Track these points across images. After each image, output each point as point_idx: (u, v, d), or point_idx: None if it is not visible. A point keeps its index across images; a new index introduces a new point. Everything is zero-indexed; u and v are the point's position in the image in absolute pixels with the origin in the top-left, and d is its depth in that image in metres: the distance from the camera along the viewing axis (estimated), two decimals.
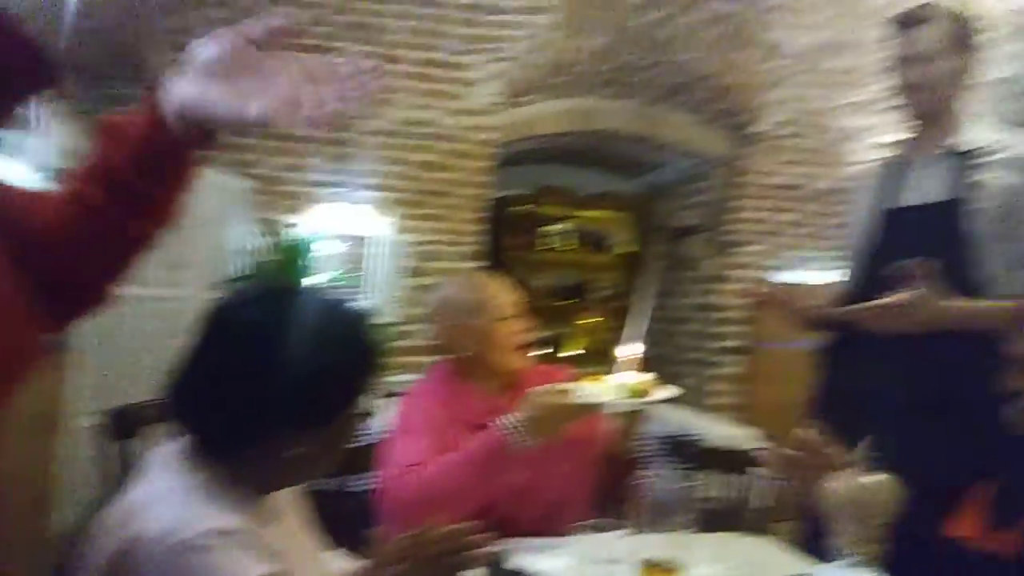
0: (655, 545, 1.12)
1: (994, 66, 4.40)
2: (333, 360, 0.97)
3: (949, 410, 1.64)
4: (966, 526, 1.34)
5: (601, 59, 4.09)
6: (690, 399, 4.89)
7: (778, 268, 4.80)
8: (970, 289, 1.68)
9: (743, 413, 4.75)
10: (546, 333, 5.39)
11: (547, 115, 4.37)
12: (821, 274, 4.74)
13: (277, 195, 3.90)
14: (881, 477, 1.08)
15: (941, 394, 1.67)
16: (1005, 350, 1.35)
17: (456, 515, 1.44)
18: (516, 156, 4.87)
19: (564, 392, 1.45)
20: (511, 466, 1.47)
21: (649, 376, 1.49)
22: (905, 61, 1.84)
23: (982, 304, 1.65)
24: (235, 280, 3.35)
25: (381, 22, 3.77)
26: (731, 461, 2.51)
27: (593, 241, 5.49)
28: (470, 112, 4.01)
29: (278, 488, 1.04)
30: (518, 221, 4.96)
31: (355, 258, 4.04)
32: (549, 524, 1.54)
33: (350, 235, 4.01)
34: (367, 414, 1.07)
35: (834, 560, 1.05)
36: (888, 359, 1.73)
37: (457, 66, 3.92)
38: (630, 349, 1.52)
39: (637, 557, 1.14)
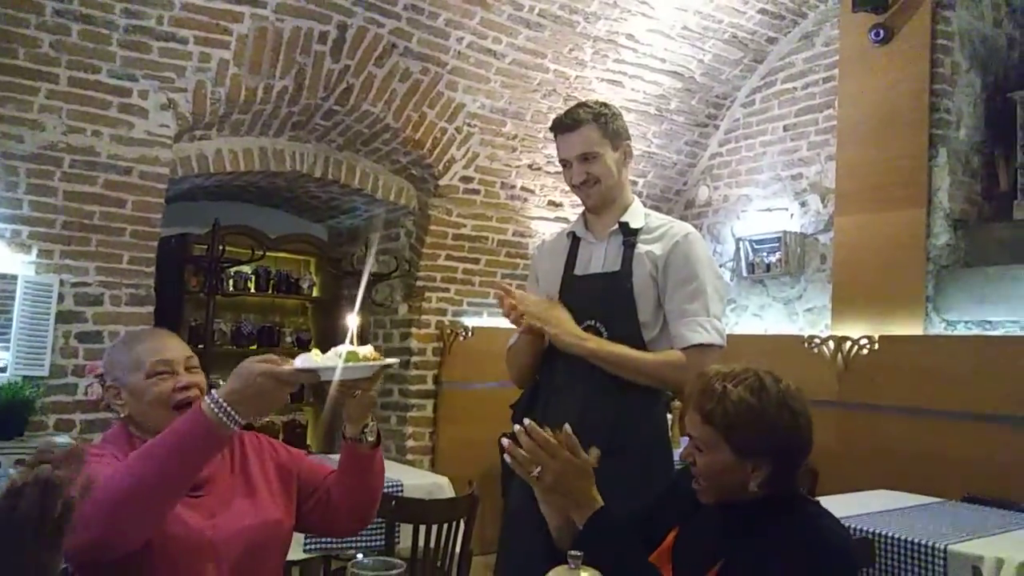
0: None
1: (643, 143, 5.14)
2: None
3: (620, 446, 1.78)
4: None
5: (285, 100, 4.01)
6: (387, 443, 4.90)
7: (463, 314, 5.05)
8: (640, 346, 1.91)
9: (432, 455, 4.87)
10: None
11: (226, 152, 4.16)
12: (501, 320, 5.09)
13: None
14: (595, 572, 1.10)
15: (613, 429, 1.83)
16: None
17: (168, 504, 1.28)
18: (190, 191, 4.56)
19: (277, 360, 1.32)
20: (222, 443, 1.31)
21: (369, 347, 1.42)
22: (566, 164, 2.04)
23: (621, 348, 1.89)
24: None
25: (32, 33, 3.31)
26: (426, 512, 2.55)
27: (283, 284, 5.31)
28: (136, 141, 3.66)
29: None
30: (200, 261, 4.64)
31: None
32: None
33: None
34: None
35: None
36: (568, 400, 1.90)
37: (121, 90, 3.57)
38: (352, 319, 1.44)
39: None
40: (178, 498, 1.31)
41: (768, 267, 4.95)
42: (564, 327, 1.91)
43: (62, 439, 3.47)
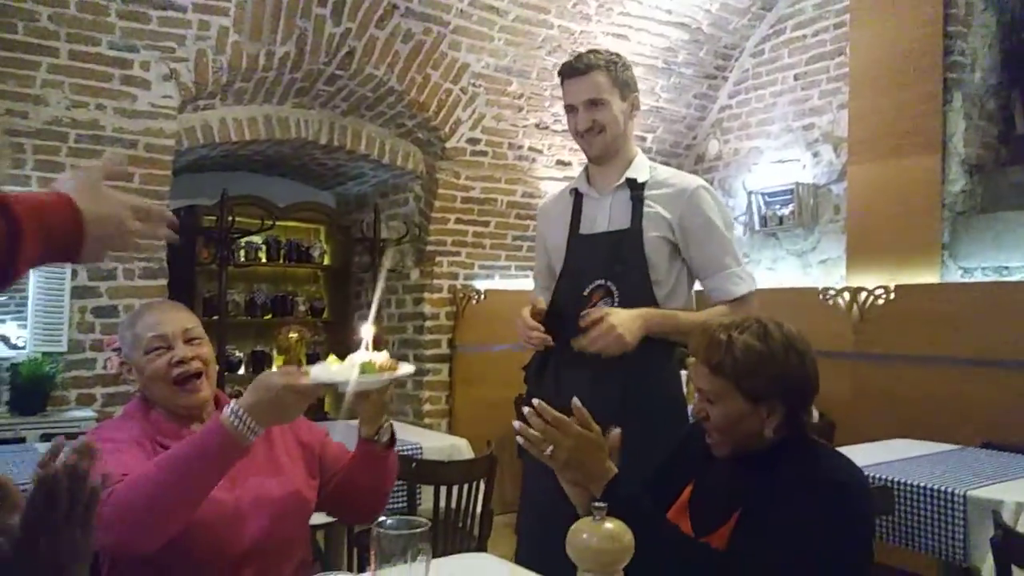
0: None
1: (651, 98, 5.06)
2: None
3: (634, 414, 1.76)
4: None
5: (288, 67, 3.96)
6: (405, 407, 4.94)
7: (474, 277, 5.04)
8: (652, 305, 1.87)
9: (449, 418, 4.91)
10: (246, 351, 5.12)
11: (230, 121, 4.13)
12: (513, 281, 5.08)
13: None
14: (619, 524, 1.10)
15: (624, 399, 1.81)
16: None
17: (188, 510, 1.30)
18: (198, 163, 4.54)
19: (296, 373, 1.33)
20: (242, 453, 1.32)
21: (384, 353, 1.43)
22: (572, 110, 1.99)
23: (672, 315, 1.87)
24: None
25: (30, 7, 3.28)
26: (446, 473, 2.58)
27: (294, 252, 5.32)
28: (140, 113, 3.63)
29: None
30: (211, 233, 4.64)
31: None
32: (272, 552, 1.44)
33: None
34: None
35: None
36: (579, 361, 1.87)
37: (122, 62, 3.53)
38: (367, 329, 1.44)
39: None
40: (198, 504, 1.32)
41: (781, 220, 4.90)
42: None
43: (84, 413, 3.52)
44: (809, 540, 1.27)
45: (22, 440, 3.10)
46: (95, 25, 3.43)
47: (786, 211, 4.87)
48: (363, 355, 1.39)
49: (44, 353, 3.48)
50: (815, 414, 4.02)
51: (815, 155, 4.84)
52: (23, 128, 3.41)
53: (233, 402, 1.33)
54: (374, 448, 1.56)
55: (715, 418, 1.40)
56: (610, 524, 1.09)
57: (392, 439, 1.58)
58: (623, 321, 1.79)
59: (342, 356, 1.40)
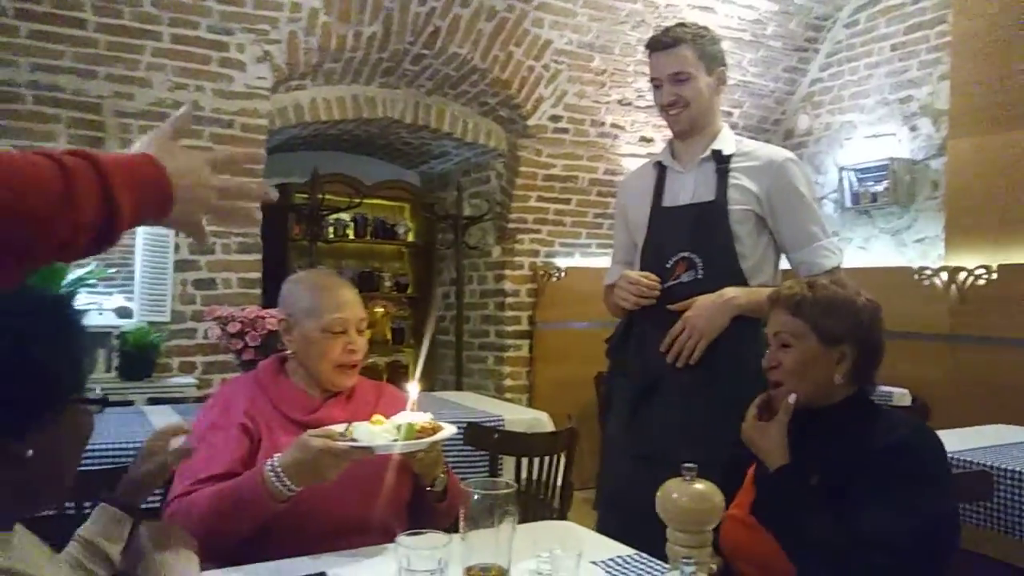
0: (477, 547, 1.10)
1: (738, 72, 4.93)
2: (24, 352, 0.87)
3: (720, 387, 1.79)
4: (743, 502, 1.48)
5: (375, 46, 4.04)
6: (486, 382, 5.03)
7: (555, 254, 5.06)
8: (737, 278, 1.86)
9: (529, 394, 4.96)
10: None
11: (320, 101, 4.25)
12: (594, 259, 5.08)
13: None
14: (709, 484, 1.12)
15: (713, 373, 1.82)
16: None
17: (236, 535, 1.36)
18: (289, 142, 4.69)
19: (334, 436, 1.35)
20: (279, 505, 1.36)
21: (427, 416, 1.45)
22: (657, 84, 1.97)
23: (763, 292, 1.85)
24: None
25: None
26: (528, 445, 2.62)
27: (380, 230, 5.45)
28: (236, 94, 3.79)
29: (18, 514, 0.91)
30: (302, 210, 4.80)
31: (119, 250, 3.70)
32: (363, 530, 1.47)
33: None
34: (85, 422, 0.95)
35: (670, 563, 1.08)
36: (663, 334, 1.88)
37: (219, 45, 3.68)
38: (413, 387, 1.48)
39: (462, 562, 1.11)
40: (245, 534, 1.38)
41: (874, 197, 4.72)
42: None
43: (185, 380, 3.72)
44: (905, 501, 1.28)
45: (131, 403, 3.30)
46: (195, 9, 3.58)
47: (880, 188, 4.68)
48: (406, 416, 1.40)
49: (150, 322, 3.69)
50: (908, 397, 3.89)
51: (912, 129, 4.63)
52: (129, 109, 3.60)
53: (276, 457, 1.37)
54: (428, 499, 1.56)
55: (788, 362, 1.44)
56: (700, 484, 1.10)
57: (444, 493, 1.56)
58: (709, 315, 1.82)
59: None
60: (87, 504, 1.77)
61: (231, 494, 1.38)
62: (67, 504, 1.72)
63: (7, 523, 0.89)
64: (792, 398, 1.45)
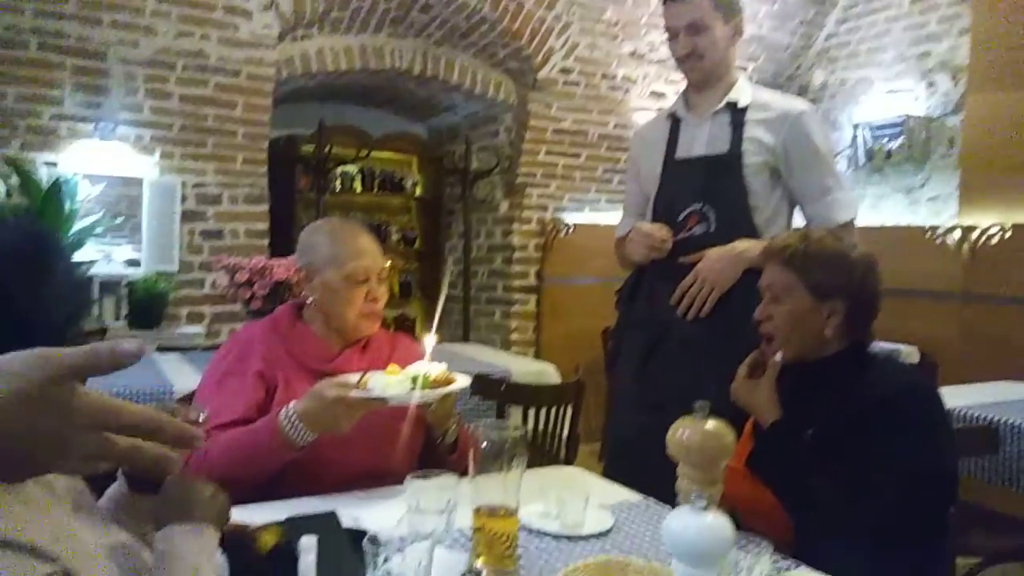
0: (486, 489, 1.11)
1: (753, 26, 4.83)
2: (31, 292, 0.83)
3: (731, 339, 1.75)
4: (740, 454, 1.49)
5: None
6: (492, 336, 5.04)
7: (564, 209, 5.03)
8: (750, 231, 1.84)
9: (536, 348, 4.98)
10: None
11: (327, 51, 4.19)
12: (602, 215, 5.04)
13: (23, 130, 3.44)
14: (720, 422, 1.12)
15: (724, 326, 1.81)
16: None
17: (253, 481, 1.36)
18: (296, 93, 4.64)
19: (349, 385, 1.35)
20: (294, 453, 1.37)
21: (442, 366, 1.45)
22: (673, 34, 1.93)
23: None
24: None
25: None
26: (535, 395, 2.63)
27: (388, 183, 5.41)
28: (243, 43, 3.73)
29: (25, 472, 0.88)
30: (309, 162, 4.77)
31: (125, 200, 3.70)
32: (376, 478, 1.48)
33: (116, 176, 3.65)
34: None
35: (679, 502, 1.08)
36: (674, 287, 1.87)
37: None
38: (429, 340, 1.47)
39: (471, 503, 1.11)
40: (262, 481, 1.38)
41: (888, 154, 4.65)
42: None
43: (194, 329, 3.74)
44: (900, 452, 1.29)
45: None
46: None
47: (894, 145, 4.61)
48: (421, 367, 1.40)
49: (158, 272, 3.70)
50: (916, 354, 3.88)
51: (930, 85, 4.54)
52: (135, 58, 3.56)
53: (292, 404, 1.36)
54: (439, 450, 1.57)
55: (779, 317, 1.45)
56: (712, 422, 1.10)
57: (455, 445, 1.57)
58: (721, 268, 1.80)
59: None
60: None
61: (246, 440, 1.39)
62: None
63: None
64: (778, 357, 1.46)
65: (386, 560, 0.92)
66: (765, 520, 1.40)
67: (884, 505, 1.27)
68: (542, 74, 4.60)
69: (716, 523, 0.90)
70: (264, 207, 3.98)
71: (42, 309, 0.85)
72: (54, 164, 3.50)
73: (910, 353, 3.85)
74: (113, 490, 1.05)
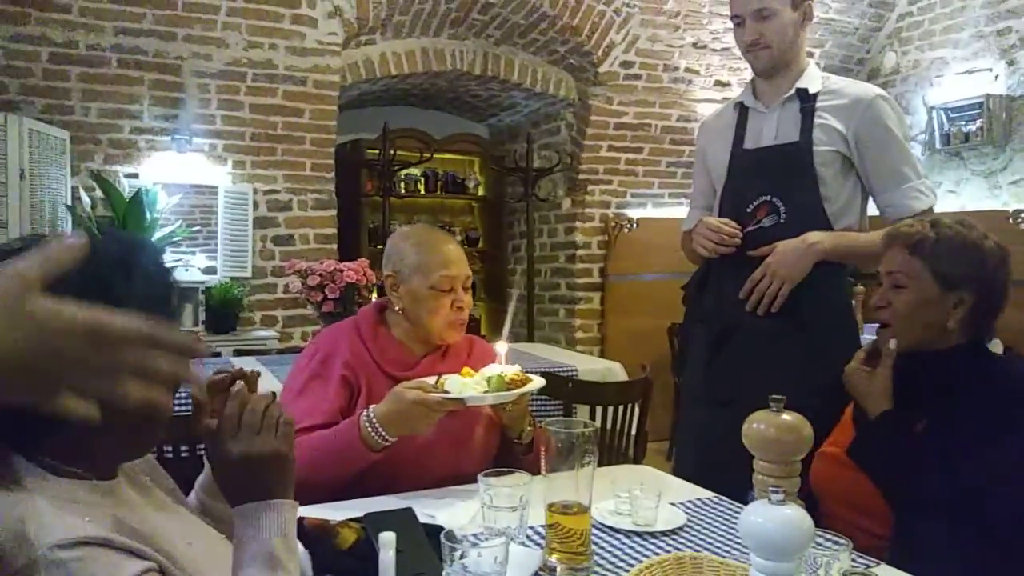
0: (558, 486, 1.12)
1: (820, 8, 4.70)
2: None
3: (803, 333, 1.74)
4: (840, 441, 1.46)
5: None
6: (557, 335, 5.04)
7: (627, 205, 4.99)
8: (822, 222, 1.79)
9: (601, 346, 4.96)
10: None
11: (390, 55, 4.26)
12: (666, 210, 4.98)
13: (105, 144, 3.61)
14: (797, 416, 1.11)
15: (795, 321, 1.76)
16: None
17: (331, 488, 1.39)
18: (360, 98, 4.73)
19: (427, 387, 1.39)
20: (375, 455, 1.40)
21: (516, 367, 1.47)
22: (739, 22, 1.88)
23: (848, 236, 1.78)
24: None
25: None
26: (602, 393, 2.62)
27: (450, 184, 5.47)
28: (308, 51, 3.83)
29: (118, 460, 0.94)
30: (374, 165, 4.86)
31: (200, 209, 3.84)
32: (453, 480, 1.50)
33: (192, 185, 3.79)
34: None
35: (754, 496, 1.07)
36: (743, 279, 1.82)
37: (290, 2, 3.72)
38: (501, 344, 1.50)
39: (543, 500, 1.12)
40: (342, 483, 1.41)
41: (967, 137, 4.46)
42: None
43: (267, 333, 3.85)
44: (1016, 453, 1.23)
45: (218, 355, 3.45)
46: None
47: (973, 127, 4.42)
48: (495, 368, 1.43)
49: (232, 278, 3.83)
50: (999, 345, 3.71)
51: (1010, 63, 4.34)
52: (207, 70, 3.69)
53: (373, 407, 1.40)
54: (515, 450, 1.59)
55: (900, 304, 1.38)
56: (788, 416, 1.08)
57: (531, 445, 1.58)
58: (792, 261, 1.74)
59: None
60: (183, 448, 1.87)
61: (329, 442, 1.42)
62: (164, 448, 1.81)
63: (110, 469, 0.89)
64: (893, 343, 1.40)
65: (462, 556, 0.93)
66: (856, 509, 1.37)
67: (998, 506, 1.22)
68: (603, 68, 4.57)
69: (795, 516, 0.89)
70: (332, 212, 4.08)
71: (144, 312, 0.90)
72: (135, 176, 3.66)
73: (994, 346, 3.68)
74: (202, 478, 1.11)
